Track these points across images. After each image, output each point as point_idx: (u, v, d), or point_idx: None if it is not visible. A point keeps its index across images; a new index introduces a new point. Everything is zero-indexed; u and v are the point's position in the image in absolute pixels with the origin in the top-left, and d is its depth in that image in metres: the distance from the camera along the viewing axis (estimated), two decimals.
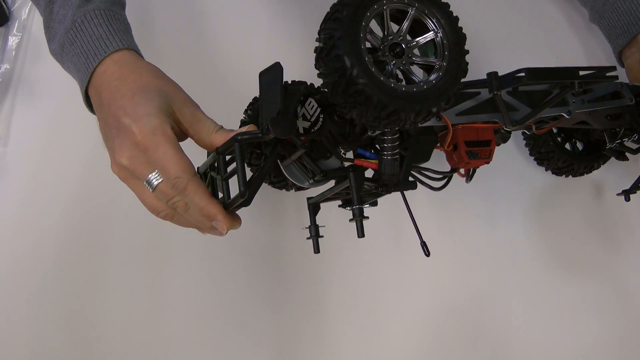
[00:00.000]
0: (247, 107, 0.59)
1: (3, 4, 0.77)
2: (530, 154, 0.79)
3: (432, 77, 0.44)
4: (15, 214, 0.70)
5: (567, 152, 0.76)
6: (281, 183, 0.64)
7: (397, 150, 0.50)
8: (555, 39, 0.87)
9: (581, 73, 0.50)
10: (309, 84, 0.54)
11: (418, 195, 0.73)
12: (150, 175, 0.48)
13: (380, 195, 0.54)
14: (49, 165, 0.71)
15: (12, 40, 0.77)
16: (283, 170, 0.55)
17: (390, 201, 0.59)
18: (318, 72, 0.43)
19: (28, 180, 0.71)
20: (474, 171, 0.59)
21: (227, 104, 0.62)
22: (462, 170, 0.58)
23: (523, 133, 0.80)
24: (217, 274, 0.71)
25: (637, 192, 0.70)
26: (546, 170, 0.79)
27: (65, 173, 0.71)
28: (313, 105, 0.49)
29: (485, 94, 0.55)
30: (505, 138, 0.59)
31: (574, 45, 0.87)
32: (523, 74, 0.46)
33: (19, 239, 0.69)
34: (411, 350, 0.72)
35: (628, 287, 0.79)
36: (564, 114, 0.58)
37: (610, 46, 0.77)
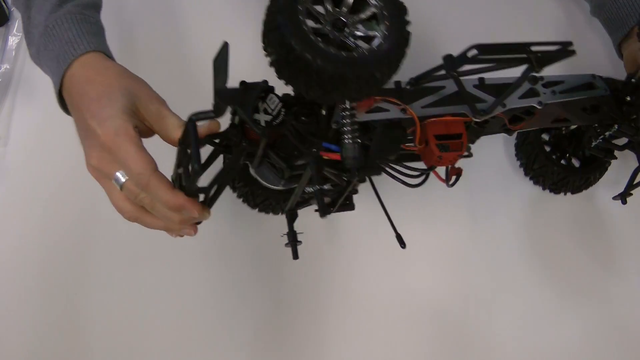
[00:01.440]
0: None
1: (3, 4, 0.78)
2: (526, 174, 0.78)
3: (373, 43, 0.44)
4: (15, 214, 0.71)
5: (561, 165, 0.74)
6: (264, 203, 0.65)
7: (357, 134, 0.49)
8: (555, 35, 0.87)
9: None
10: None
11: (410, 203, 0.72)
12: (117, 174, 0.49)
13: (348, 187, 0.53)
14: (49, 165, 0.72)
15: (12, 40, 0.78)
16: (254, 174, 0.55)
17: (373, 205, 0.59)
18: (265, 52, 0.43)
19: (28, 180, 0.72)
20: (458, 177, 0.59)
21: (206, 104, 0.62)
22: (445, 170, 0.58)
23: (517, 154, 0.79)
24: (212, 275, 0.71)
25: (633, 193, 0.66)
26: (544, 189, 0.78)
27: (65, 172, 0.72)
28: (274, 100, 0.49)
29: (450, 87, 0.54)
30: (477, 133, 0.57)
31: (574, 41, 0.86)
32: (476, 51, 0.46)
33: (18, 238, 0.70)
34: (397, 353, 0.72)
35: (613, 291, 0.78)
36: (535, 105, 0.57)
37: (611, 39, 0.74)
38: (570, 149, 0.75)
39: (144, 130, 0.52)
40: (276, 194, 0.67)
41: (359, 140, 0.49)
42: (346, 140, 0.49)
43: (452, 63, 0.46)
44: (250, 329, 0.70)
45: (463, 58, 0.45)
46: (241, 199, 0.70)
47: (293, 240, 0.56)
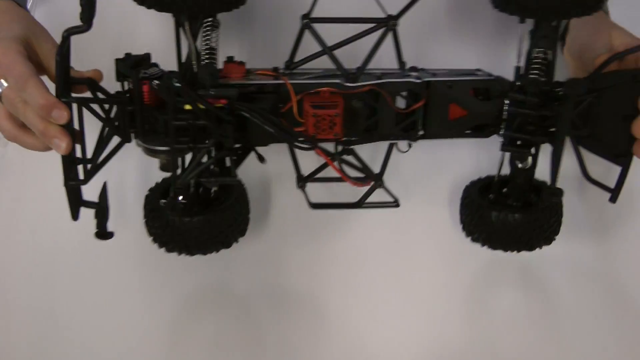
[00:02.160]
0: None
1: None
2: (472, 240, 0.65)
3: None
4: (15, 214, 0.71)
5: (498, 209, 0.63)
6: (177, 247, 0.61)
7: (215, 57, 0.55)
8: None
9: None
10: None
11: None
12: None
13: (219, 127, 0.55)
14: (49, 165, 0.70)
15: None
16: (144, 147, 0.56)
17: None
18: None
19: (28, 180, 0.71)
20: (371, 187, 0.61)
21: None
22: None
23: (460, 217, 0.69)
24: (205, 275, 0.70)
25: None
26: (494, 248, 0.64)
27: None
28: (157, 69, 0.55)
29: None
30: (358, 109, 0.58)
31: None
32: None
33: (18, 239, 0.70)
34: None
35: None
36: (413, 80, 0.58)
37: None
38: (511, 201, 0.64)
39: (35, 63, 0.55)
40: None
41: (215, 65, 0.55)
42: (202, 61, 0.54)
43: (307, 16, 0.54)
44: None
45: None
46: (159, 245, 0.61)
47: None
